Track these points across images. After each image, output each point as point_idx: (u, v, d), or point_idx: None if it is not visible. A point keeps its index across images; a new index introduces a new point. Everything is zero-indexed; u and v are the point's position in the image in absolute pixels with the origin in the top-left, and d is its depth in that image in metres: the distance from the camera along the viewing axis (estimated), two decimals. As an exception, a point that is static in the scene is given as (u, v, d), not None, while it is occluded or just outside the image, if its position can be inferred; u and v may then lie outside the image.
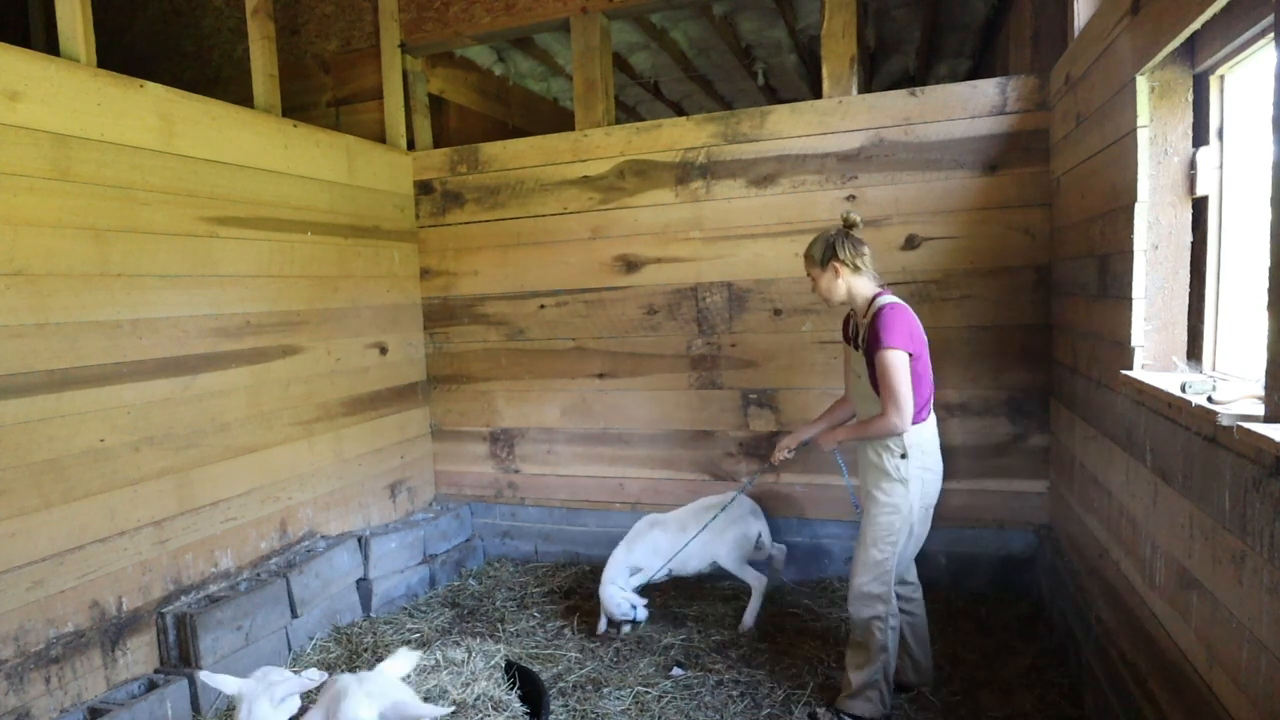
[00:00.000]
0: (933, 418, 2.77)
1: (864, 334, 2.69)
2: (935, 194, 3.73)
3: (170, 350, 3.14)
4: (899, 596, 2.86)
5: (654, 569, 3.62)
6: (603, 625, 3.63)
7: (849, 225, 2.77)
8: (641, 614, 3.55)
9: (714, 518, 3.57)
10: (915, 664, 2.99)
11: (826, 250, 2.73)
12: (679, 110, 6.86)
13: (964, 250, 3.72)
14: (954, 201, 3.71)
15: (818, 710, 2.88)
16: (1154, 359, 2.39)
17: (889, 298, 2.69)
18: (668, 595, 4.02)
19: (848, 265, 2.71)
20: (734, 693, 3.05)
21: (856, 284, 2.74)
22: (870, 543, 2.72)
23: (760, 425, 4.13)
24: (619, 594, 3.55)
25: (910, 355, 2.59)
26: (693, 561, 3.64)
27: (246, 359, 3.51)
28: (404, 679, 2.52)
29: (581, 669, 3.29)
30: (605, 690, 3.10)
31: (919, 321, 2.70)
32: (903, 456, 2.65)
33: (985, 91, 3.64)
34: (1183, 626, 1.99)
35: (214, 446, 3.35)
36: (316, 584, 3.65)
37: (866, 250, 2.74)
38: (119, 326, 2.94)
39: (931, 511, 2.80)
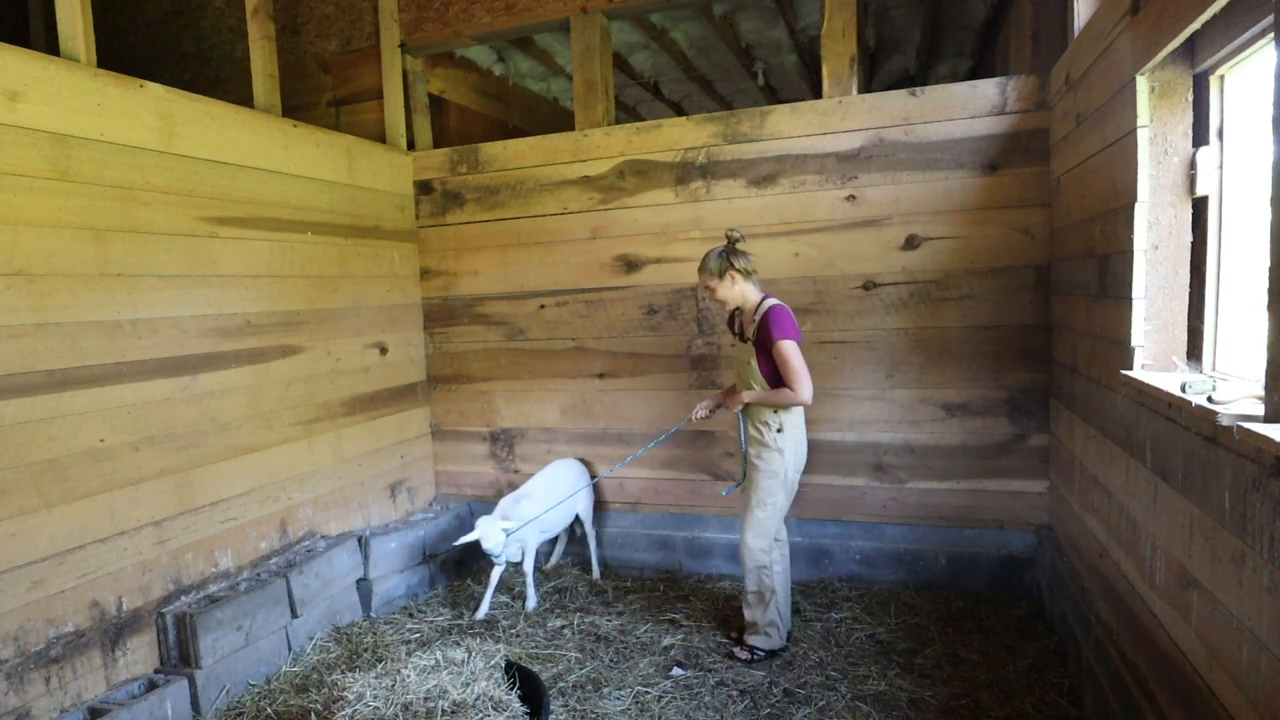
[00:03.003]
0: None
1: (754, 330, 3.19)
2: (935, 194, 3.73)
3: (170, 350, 3.15)
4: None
5: (537, 518, 3.90)
6: (484, 610, 3.88)
7: (733, 241, 3.21)
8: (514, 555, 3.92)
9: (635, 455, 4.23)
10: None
11: (723, 262, 3.19)
12: (679, 110, 6.86)
13: (964, 250, 3.72)
14: (954, 201, 3.71)
15: (733, 649, 3.37)
16: (1154, 359, 2.39)
17: (774, 300, 3.22)
18: (663, 596, 4.02)
19: (741, 272, 3.20)
20: (734, 692, 3.06)
21: (748, 289, 3.25)
22: (755, 504, 3.26)
23: (760, 425, 4.13)
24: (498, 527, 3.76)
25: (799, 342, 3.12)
26: (562, 520, 4.13)
27: (246, 359, 3.51)
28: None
29: (581, 669, 3.29)
30: (605, 690, 3.11)
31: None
32: (779, 430, 3.20)
33: (985, 91, 3.64)
34: (1183, 626, 1.99)
35: (214, 446, 3.35)
36: (316, 584, 3.65)
37: (752, 258, 3.24)
38: (119, 326, 2.94)
39: (799, 476, 3.31)
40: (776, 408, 3.19)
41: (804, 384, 3.07)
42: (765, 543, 3.26)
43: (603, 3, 4.24)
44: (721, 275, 3.20)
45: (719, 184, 4.09)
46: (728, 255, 3.18)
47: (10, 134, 2.58)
